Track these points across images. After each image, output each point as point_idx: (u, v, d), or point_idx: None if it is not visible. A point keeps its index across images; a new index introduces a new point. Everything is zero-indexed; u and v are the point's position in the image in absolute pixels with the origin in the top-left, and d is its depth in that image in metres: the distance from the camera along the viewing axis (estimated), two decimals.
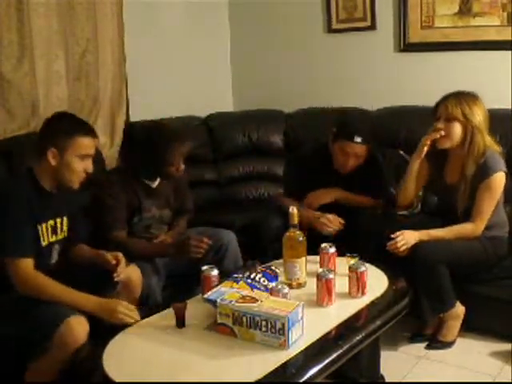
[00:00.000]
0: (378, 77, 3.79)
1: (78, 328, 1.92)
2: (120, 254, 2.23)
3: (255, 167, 3.80)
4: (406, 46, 3.65)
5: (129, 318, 1.98)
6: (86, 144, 2.14)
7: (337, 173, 2.95)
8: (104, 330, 2.06)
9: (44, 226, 2.16)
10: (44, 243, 2.17)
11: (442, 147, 2.62)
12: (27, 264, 2.04)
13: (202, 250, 2.48)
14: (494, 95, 2.85)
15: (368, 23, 3.76)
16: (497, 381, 2.42)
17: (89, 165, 2.17)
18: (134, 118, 3.64)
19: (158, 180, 2.74)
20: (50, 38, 3.13)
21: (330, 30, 3.92)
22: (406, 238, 2.53)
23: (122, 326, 1.98)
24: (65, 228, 2.27)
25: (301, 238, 2.24)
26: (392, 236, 2.54)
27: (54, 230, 2.21)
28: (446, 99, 2.58)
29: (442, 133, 2.56)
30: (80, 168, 2.14)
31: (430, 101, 3.39)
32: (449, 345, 2.67)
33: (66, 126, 2.14)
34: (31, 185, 2.13)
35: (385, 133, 3.44)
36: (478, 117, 2.55)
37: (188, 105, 3.87)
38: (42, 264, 2.13)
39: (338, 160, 2.88)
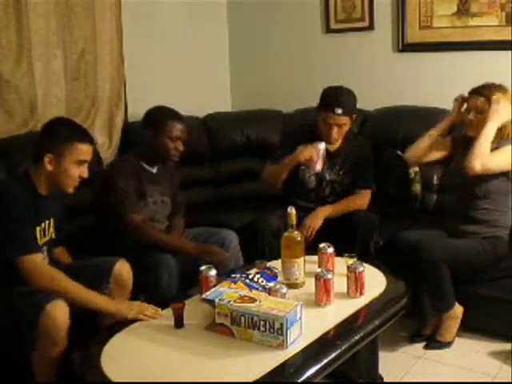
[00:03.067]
0: (377, 77, 3.78)
1: (58, 312, 1.94)
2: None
3: (254, 167, 3.79)
4: (405, 47, 3.65)
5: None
6: (84, 150, 2.16)
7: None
8: (102, 330, 2.08)
9: (38, 228, 2.17)
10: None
11: (470, 135, 2.66)
12: (40, 259, 2.09)
13: (223, 261, 2.45)
14: None
15: (366, 23, 3.76)
16: (496, 381, 2.43)
17: (84, 171, 2.19)
18: (132, 119, 3.64)
19: (157, 166, 2.78)
20: (48, 37, 3.13)
21: (329, 30, 3.93)
22: None
23: (119, 326, 1.99)
24: (51, 229, 2.29)
25: (299, 238, 2.24)
26: None
27: (44, 233, 2.22)
28: (475, 92, 2.63)
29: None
30: (76, 174, 2.16)
31: (428, 101, 3.43)
32: (447, 345, 2.68)
33: (64, 132, 2.16)
34: (28, 189, 2.14)
35: (383, 133, 3.44)
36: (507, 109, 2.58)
37: (186, 105, 3.85)
38: None
39: (322, 131, 2.92)
